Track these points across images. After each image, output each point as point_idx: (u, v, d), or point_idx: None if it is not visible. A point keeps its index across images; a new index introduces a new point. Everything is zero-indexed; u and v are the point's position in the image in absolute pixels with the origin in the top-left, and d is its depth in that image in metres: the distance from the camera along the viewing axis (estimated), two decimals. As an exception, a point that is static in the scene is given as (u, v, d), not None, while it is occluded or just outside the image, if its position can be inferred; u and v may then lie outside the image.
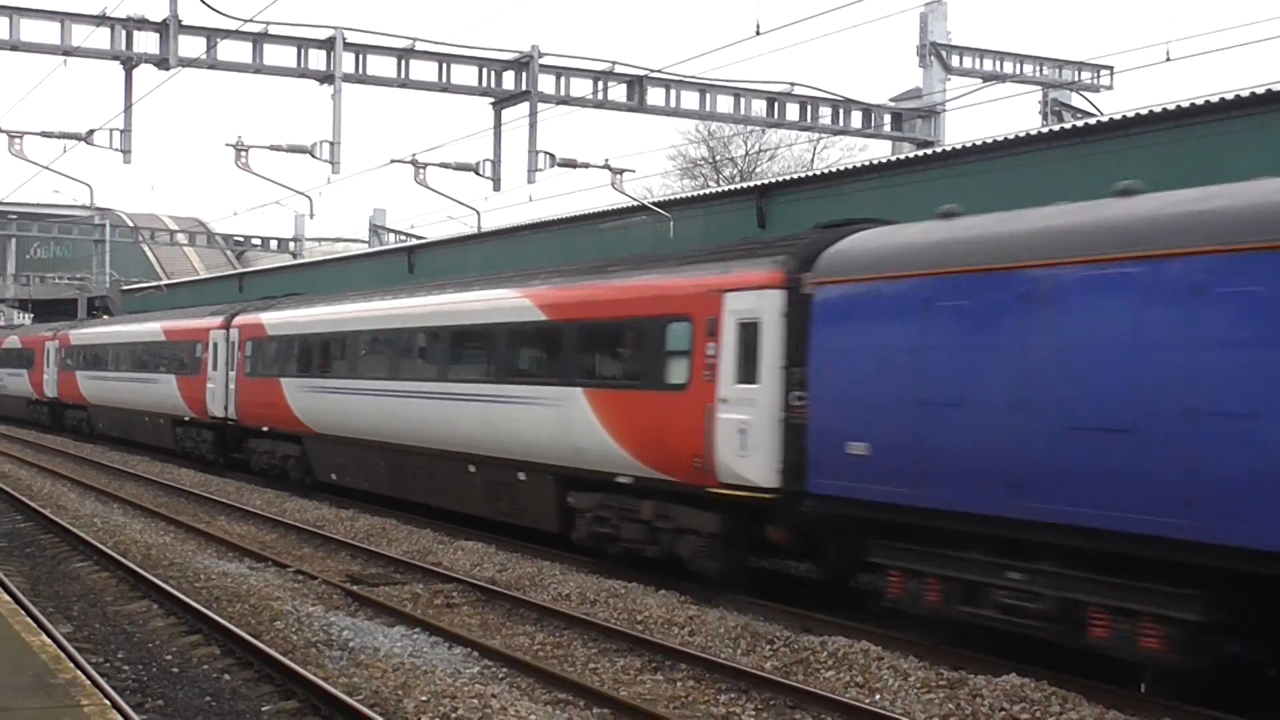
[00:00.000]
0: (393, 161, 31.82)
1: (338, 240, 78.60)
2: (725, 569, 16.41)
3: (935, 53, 35.37)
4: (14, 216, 75.77)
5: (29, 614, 12.34)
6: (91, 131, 28.51)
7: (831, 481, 14.41)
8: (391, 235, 57.26)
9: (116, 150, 28.03)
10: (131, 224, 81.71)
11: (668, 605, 15.63)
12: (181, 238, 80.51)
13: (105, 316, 58.99)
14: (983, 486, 12.59)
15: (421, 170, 31.51)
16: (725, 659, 13.08)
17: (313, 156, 29.19)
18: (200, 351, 33.36)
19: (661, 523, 17.14)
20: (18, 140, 29.44)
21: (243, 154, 30.23)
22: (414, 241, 45.93)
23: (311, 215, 39.72)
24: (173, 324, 36.46)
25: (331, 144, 28.89)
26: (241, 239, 74.22)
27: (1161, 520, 11.00)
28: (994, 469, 12.50)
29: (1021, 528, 12.32)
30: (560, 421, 18.85)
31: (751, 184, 31.34)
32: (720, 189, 36.61)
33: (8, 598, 11.92)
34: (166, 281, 68.54)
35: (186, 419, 34.58)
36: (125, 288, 69.58)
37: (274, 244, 70.91)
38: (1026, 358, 12.35)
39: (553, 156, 29.76)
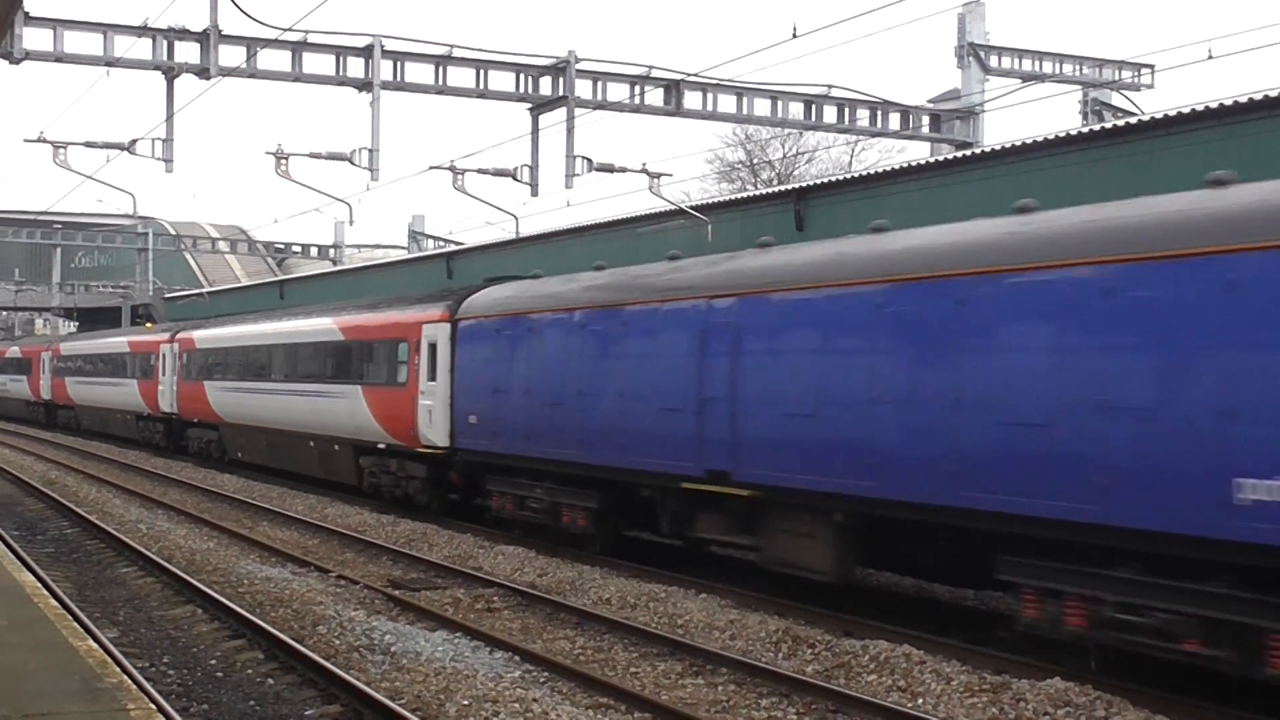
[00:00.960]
0: (431, 168, 31.94)
1: (377, 247, 78.88)
2: (432, 501, 24.89)
3: (973, 53, 35.23)
4: (59, 226, 76.43)
5: (76, 619, 12.44)
6: (134, 141, 28.75)
7: (465, 440, 23.05)
8: (430, 241, 57.48)
9: (159, 159, 28.27)
10: (174, 232, 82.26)
11: (708, 609, 15.61)
12: (223, 245, 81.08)
13: (100, 330, 63.12)
14: (525, 442, 20.90)
15: (460, 176, 31.62)
16: (766, 663, 13.05)
17: (352, 164, 29.36)
18: (154, 360, 41.76)
19: (400, 473, 25.70)
20: (62, 151, 29.75)
21: (283, 162, 30.42)
22: (453, 247, 46.09)
23: (351, 222, 39.96)
24: (135, 338, 45.42)
25: (370, 151, 29.03)
26: (282, 246, 74.60)
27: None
28: (526, 430, 20.91)
29: (535, 461, 20.81)
30: (351, 409, 27.29)
31: (789, 187, 31.29)
32: (758, 192, 36.55)
33: (55, 603, 12.02)
34: (209, 289, 69.00)
35: (145, 414, 43.24)
36: (168, 295, 70.05)
37: (314, 251, 71.27)
38: (534, 363, 20.85)
39: (590, 161, 29.81)
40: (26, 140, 30.29)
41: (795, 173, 56.64)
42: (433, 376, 23.92)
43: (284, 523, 24.79)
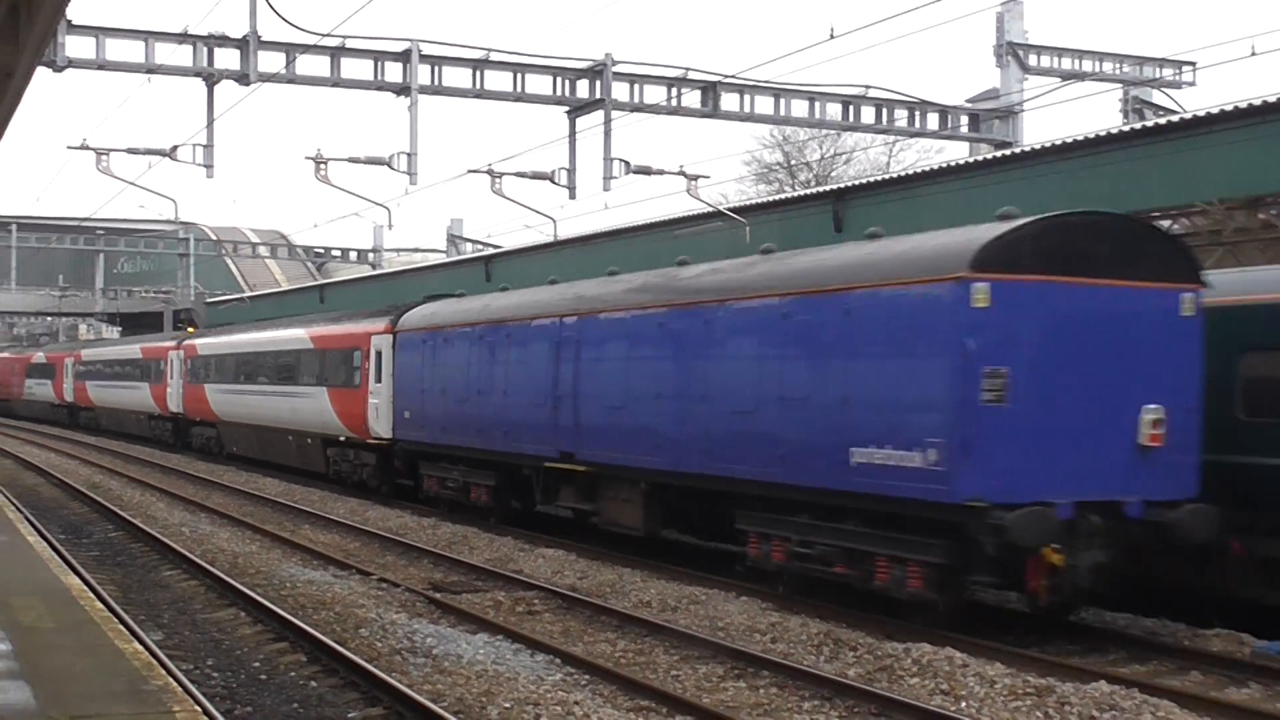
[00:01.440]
0: (469, 171, 32.08)
1: (416, 250, 79.34)
2: (381, 484, 29.14)
3: (1012, 52, 35.06)
4: (101, 232, 77.07)
5: (121, 621, 12.51)
6: (175, 147, 28.94)
7: (402, 432, 27.33)
8: (469, 245, 57.65)
9: (199, 165, 28.46)
10: (214, 237, 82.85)
11: (749, 612, 15.58)
12: (263, 250, 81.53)
13: (112, 336, 66.17)
14: (443, 433, 25.46)
15: (498, 180, 31.72)
16: (808, 666, 13.00)
17: (390, 168, 29.50)
18: (164, 366, 46.02)
19: (357, 461, 30.19)
20: (104, 157, 29.97)
21: (322, 166, 30.59)
22: (491, 250, 46.20)
23: (390, 226, 40.16)
24: (146, 345, 50.66)
25: (409, 155, 29.15)
26: (322, 250, 75.01)
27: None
28: (443, 423, 25.38)
29: (451, 449, 25.23)
30: (318, 408, 31.75)
31: (827, 188, 31.23)
32: (796, 194, 36.50)
33: (101, 606, 12.10)
34: (249, 294, 69.38)
35: (156, 414, 47.51)
36: (209, 300, 70.50)
37: (354, 255, 71.62)
38: (448, 369, 25.23)
39: (628, 164, 29.84)
40: (70, 147, 30.44)
41: (833, 174, 56.52)
42: (379, 379, 28.45)
43: (325, 526, 24.90)
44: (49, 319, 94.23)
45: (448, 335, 25.52)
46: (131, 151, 30.15)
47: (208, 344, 42.57)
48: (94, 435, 54.71)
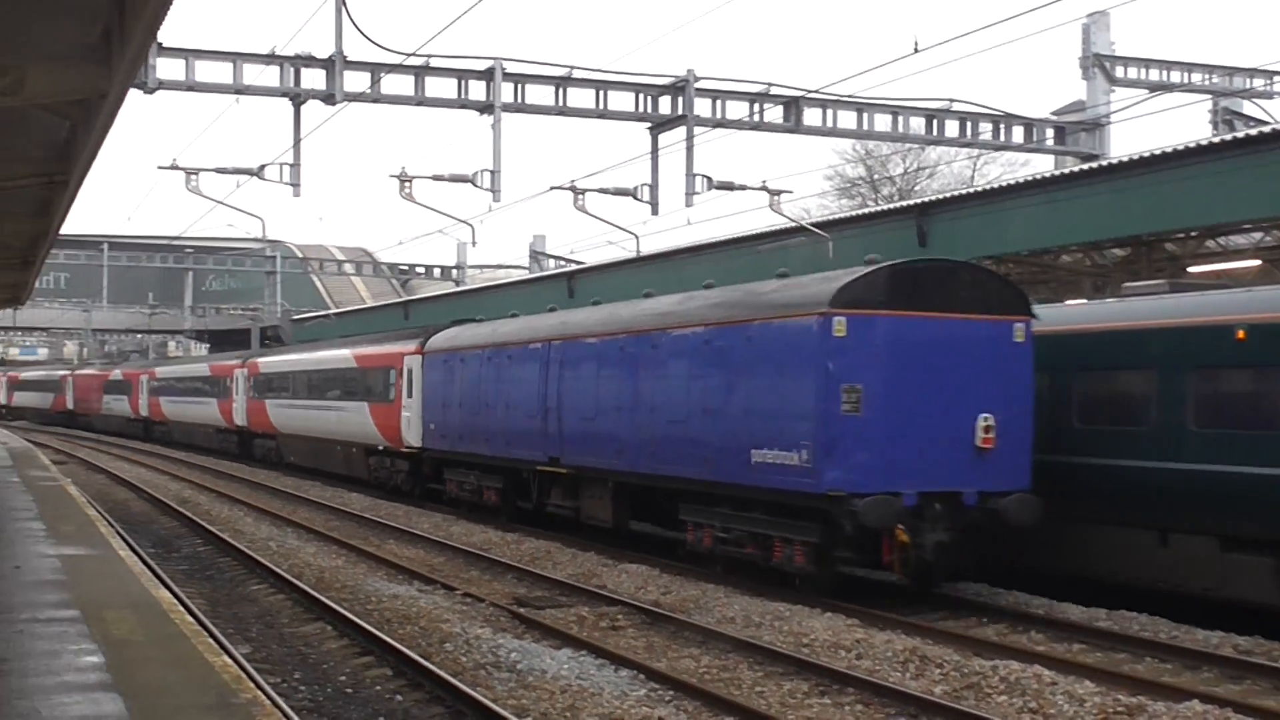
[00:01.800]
0: (552, 188, 32.21)
1: (499, 267, 79.79)
2: (413, 489, 32.42)
3: (1099, 64, 34.70)
4: (190, 250, 78.26)
5: (211, 635, 12.66)
6: (262, 167, 29.35)
7: (430, 442, 30.84)
8: (551, 261, 57.87)
9: (286, 184, 28.83)
10: (301, 255, 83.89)
11: (834, 628, 15.49)
12: (349, 267, 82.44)
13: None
14: (460, 441, 28.76)
15: (580, 196, 31.83)
16: (894, 683, 12.90)
17: (474, 185, 29.70)
18: (229, 383, 49.98)
19: (394, 467, 33.78)
20: (194, 177, 30.44)
21: (406, 184, 30.86)
22: (573, 267, 46.36)
23: (474, 243, 40.40)
24: (214, 363, 55.09)
25: (492, 172, 29.34)
26: (406, 268, 75.58)
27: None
28: (460, 433, 28.66)
29: (467, 455, 28.53)
30: (360, 421, 35.39)
31: (911, 202, 31.04)
32: (879, 208, 36.30)
33: (190, 619, 12.26)
34: (335, 310, 70.11)
35: (222, 427, 51.70)
36: (296, 317, 71.31)
37: (438, 272, 72.13)
38: (464, 386, 28.52)
39: (710, 179, 29.83)
40: (160, 167, 31.05)
41: (916, 188, 56.19)
42: (410, 395, 31.82)
43: (410, 540, 25.08)
44: (139, 336, 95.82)
45: (464, 356, 29.05)
46: (220, 171, 30.62)
47: (268, 363, 46.40)
48: (170, 449, 57.23)
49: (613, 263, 41.61)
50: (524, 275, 58.79)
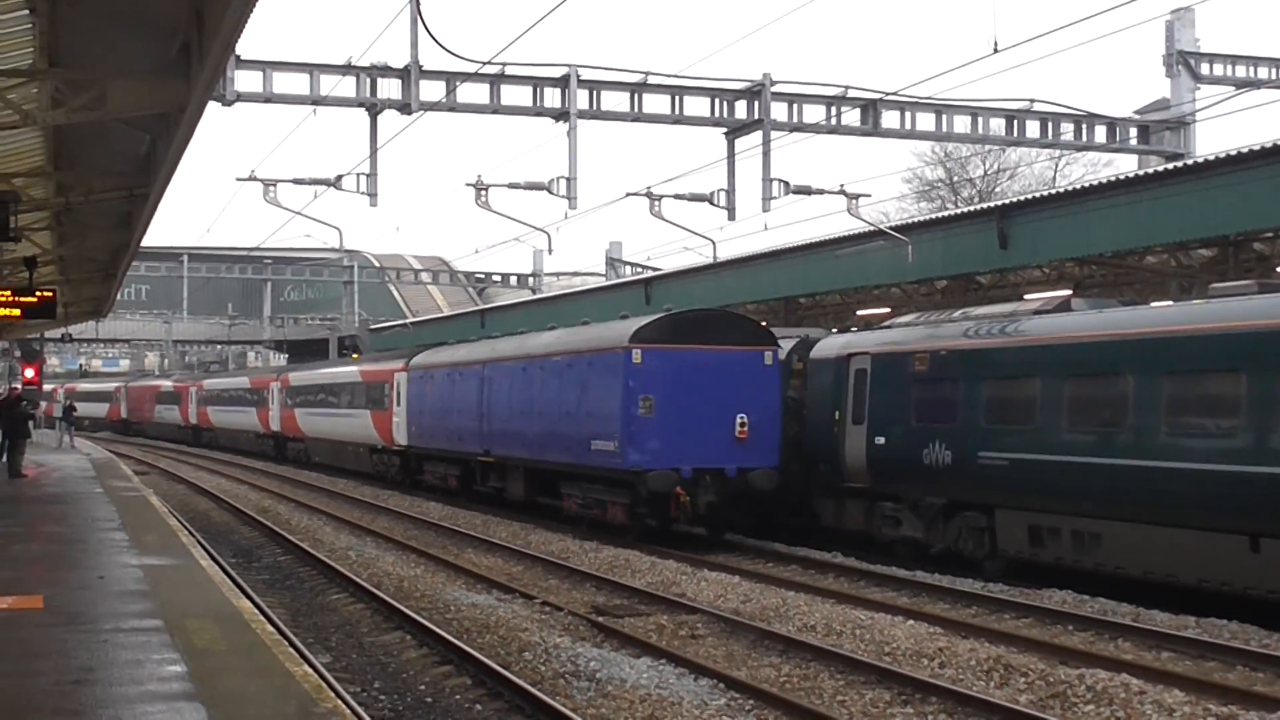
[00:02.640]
0: (628, 195, 32.24)
1: (575, 274, 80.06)
2: (404, 478, 39.68)
3: (1183, 61, 34.22)
4: (269, 261, 79.13)
5: (291, 644, 12.79)
6: (340, 177, 29.60)
7: (413, 442, 38.09)
8: (628, 268, 57.98)
9: (363, 194, 29.08)
10: (378, 264, 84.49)
11: (916, 636, 15.39)
12: (425, 276, 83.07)
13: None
14: (430, 439, 36.62)
15: (656, 202, 31.85)
16: (978, 692, 12.78)
17: (550, 193, 29.83)
18: (266, 394, 58.45)
19: (388, 460, 41.46)
20: (272, 188, 30.78)
21: (482, 193, 31.02)
22: (650, 273, 46.42)
23: (550, 250, 40.60)
24: (255, 378, 63.11)
25: (568, 179, 29.47)
26: (483, 276, 75.94)
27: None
28: (430, 433, 36.60)
29: (436, 450, 36.17)
30: (364, 425, 43.24)
31: (991, 204, 30.77)
32: (958, 211, 36.02)
33: (271, 629, 12.38)
34: (412, 319, 70.64)
35: (262, 433, 60.04)
36: (373, 326, 71.93)
37: (514, 280, 72.43)
38: (432, 397, 36.32)
39: (787, 184, 29.78)
40: (238, 179, 31.34)
41: (997, 189, 55.70)
42: (399, 404, 39.50)
43: (488, 549, 25.21)
44: (219, 347, 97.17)
45: (433, 374, 36.82)
46: (297, 182, 30.91)
47: (297, 377, 55.22)
48: (236, 455, 62.57)
49: (690, 269, 41.61)
50: (600, 282, 58.95)
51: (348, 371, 47.21)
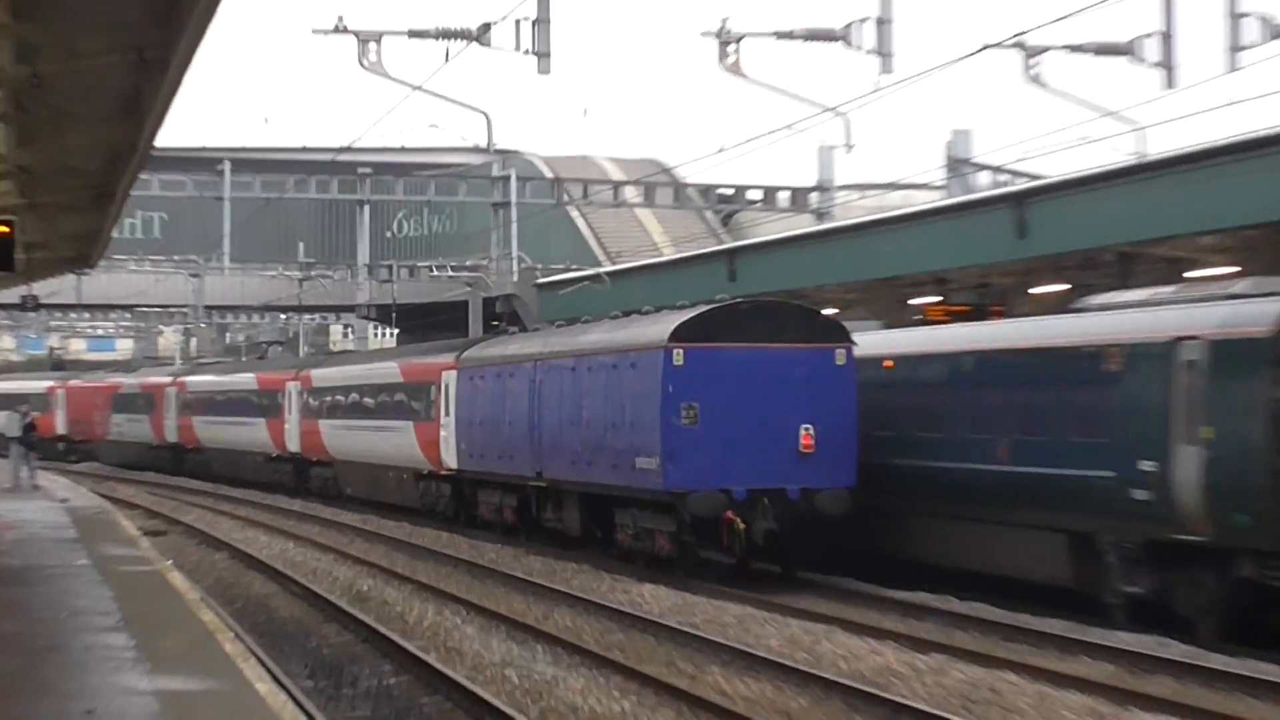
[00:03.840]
0: (985, 48, 31.98)
1: (890, 187, 78.77)
2: (454, 511, 50.00)
3: None
4: (368, 171, 77.80)
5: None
6: (487, 27, 29.08)
7: (463, 463, 48.14)
8: (983, 174, 57.43)
9: (526, 53, 28.83)
10: (551, 174, 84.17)
11: None
12: (631, 193, 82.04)
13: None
14: (498, 462, 45.32)
15: (1034, 59, 31.60)
16: None
17: (846, 45, 29.67)
18: (281, 399, 67.53)
19: (436, 490, 51.80)
20: (373, 46, 30.75)
21: (730, 48, 31.02)
22: (1022, 186, 45.91)
23: (848, 145, 40.08)
24: (265, 375, 73.04)
25: (878, 23, 29.28)
26: (730, 191, 75.26)
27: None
28: (494, 452, 45.60)
29: (510, 478, 44.46)
30: (406, 442, 52.60)
31: None
32: None
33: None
34: (608, 268, 69.61)
35: (274, 455, 69.70)
36: (543, 280, 70.85)
37: (781, 197, 71.91)
38: (507, 401, 44.71)
39: (1269, 23, 29.21)
40: (316, 31, 31.41)
41: None
42: (447, 412, 47.48)
43: (748, 665, 25.11)
44: (283, 317, 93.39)
45: (483, 372, 45.66)
46: (415, 35, 30.82)
47: (324, 375, 64.96)
48: (244, 490, 72.02)
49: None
50: (935, 199, 58.32)
51: (385, 368, 56.53)
